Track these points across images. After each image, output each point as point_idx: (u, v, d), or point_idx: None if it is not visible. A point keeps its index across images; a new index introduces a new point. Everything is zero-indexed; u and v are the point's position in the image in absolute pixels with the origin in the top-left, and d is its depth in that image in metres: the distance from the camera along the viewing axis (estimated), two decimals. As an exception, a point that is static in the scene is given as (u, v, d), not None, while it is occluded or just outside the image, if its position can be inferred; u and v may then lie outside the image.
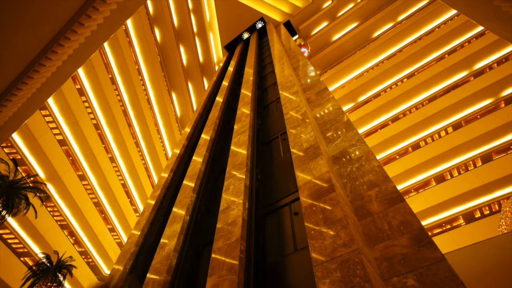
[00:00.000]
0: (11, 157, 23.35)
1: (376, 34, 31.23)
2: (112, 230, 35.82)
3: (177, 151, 14.30)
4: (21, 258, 25.31)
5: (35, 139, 24.84)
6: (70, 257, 23.88)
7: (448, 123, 23.21)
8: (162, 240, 7.88)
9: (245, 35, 33.27)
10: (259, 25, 32.52)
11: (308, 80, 11.54)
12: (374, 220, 4.45)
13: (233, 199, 6.80)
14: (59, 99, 26.16)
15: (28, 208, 19.50)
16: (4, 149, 24.15)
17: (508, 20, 8.79)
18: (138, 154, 37.68)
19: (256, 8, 30.66)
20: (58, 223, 28.38)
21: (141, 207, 39.00)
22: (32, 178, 21.91)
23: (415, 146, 24.46)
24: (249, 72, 16.89)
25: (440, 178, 22.20)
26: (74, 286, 29.13)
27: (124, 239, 36.63)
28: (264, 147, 9.68)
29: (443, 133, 23.47)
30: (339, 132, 7.09)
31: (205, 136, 12.84)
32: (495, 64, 23.24)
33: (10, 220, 23.61)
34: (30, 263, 25.14)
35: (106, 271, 34.20)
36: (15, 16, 9.66)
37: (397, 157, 24.91)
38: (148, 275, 6.90)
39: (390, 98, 27.02)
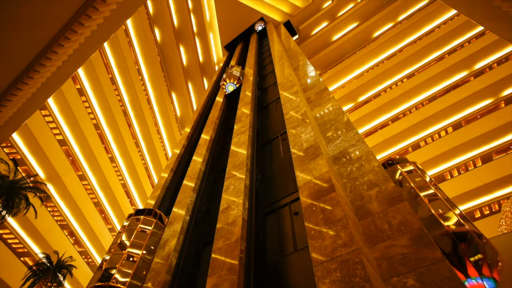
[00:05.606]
0: (11, 157, 23.33)
1: (376, 34, 31.23)
2: (112, 230, 35.79)
3: (177, 151, 14.31)
4: (21, 258, 25.30)
5: (35, 139, 24.83)
6: (70, 257, 23.84)
7: (448, 123, 23.20)
8: (162, 240, 7.88)
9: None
10: (259, 25, 32.48)
11: (308, 80, 11.54)
12: (374, 220, 4.45)
13: (233, 199, 6.80)
14: (59, 99, 26.15)
15: (28, 208, 19.47)
16: (4, 149, 24.13)
17: (508, 20, 8.79)
18: (138, 154, 37.67)
19: (256, 8, 30.66)
20: (58, 223, 28.39)
21: (141, 207, 38.94)
22: (32, 178, 21.89)
23: (415, 146, 24.45)
24: (249, 72, 16.90)
25: (440, 178, 22.18)
26: (74, 286, 29.13)
27: (124, 239, 36.52)
28: (264, 147, 9.68)
29: (443, 133, 23.46)
30: (339, 132, 7.09)
31: (205, 136, 12.84)
32: (495, 64, 23.23)
33: (10, 220, 23.59)
34: (30, 263, 25.11)
35: (106, 271, 34.14)
36: (15, 16, 9.66)
37: (397, 157, 24.88)
38: (148, 275, 6.90)
39: (390, 98, 27.02)
